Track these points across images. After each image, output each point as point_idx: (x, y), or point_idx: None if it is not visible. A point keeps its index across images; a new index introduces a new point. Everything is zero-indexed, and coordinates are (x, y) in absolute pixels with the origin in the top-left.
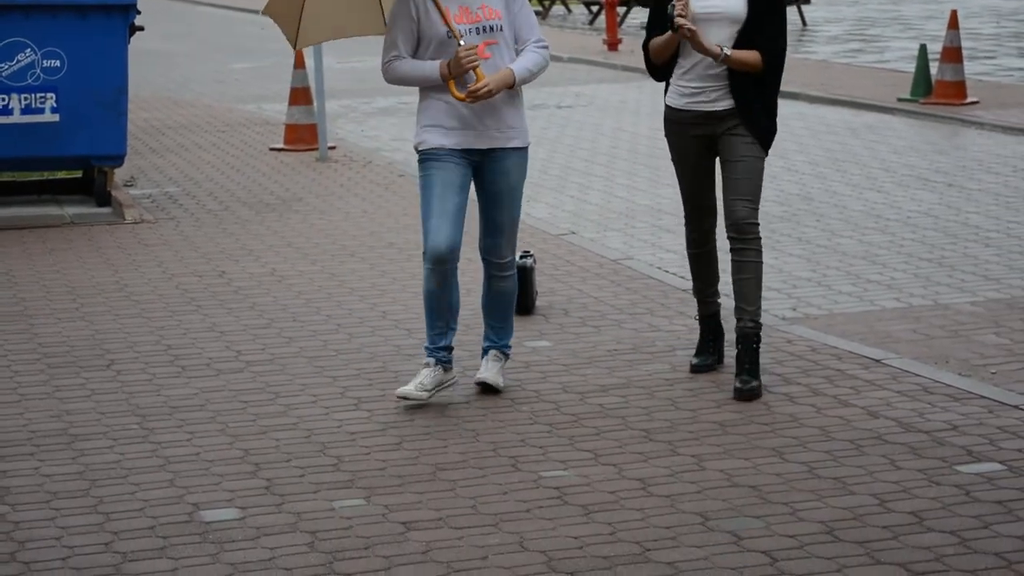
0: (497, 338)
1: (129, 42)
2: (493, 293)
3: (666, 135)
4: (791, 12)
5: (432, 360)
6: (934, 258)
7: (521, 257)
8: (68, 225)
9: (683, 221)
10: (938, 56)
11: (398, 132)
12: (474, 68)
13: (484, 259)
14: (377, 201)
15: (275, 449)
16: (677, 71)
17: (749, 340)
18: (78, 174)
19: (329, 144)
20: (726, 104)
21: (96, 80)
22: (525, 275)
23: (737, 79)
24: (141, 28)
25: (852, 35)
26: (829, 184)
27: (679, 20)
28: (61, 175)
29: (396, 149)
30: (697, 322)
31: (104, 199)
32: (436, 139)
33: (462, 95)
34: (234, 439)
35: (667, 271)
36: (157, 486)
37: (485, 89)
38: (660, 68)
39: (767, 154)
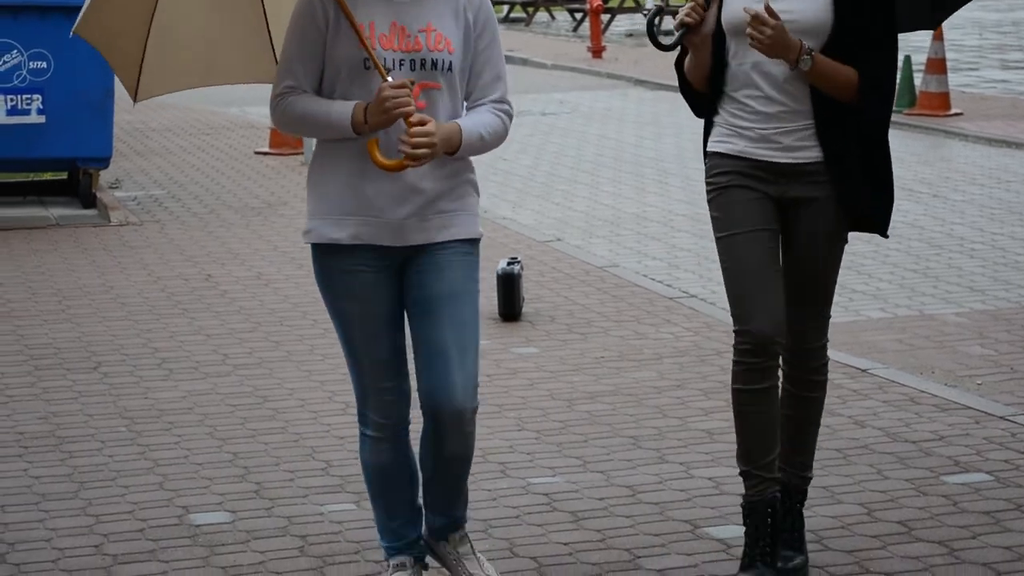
0: (448, 511)
1: None
2: (438, 458)
3: (709, 194)
4: None
5: (407, 559)
6: (919, 269)
7: (508, 264)
8: (53, 227)
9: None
10: (922, 67)
11: None
12: (406, 118)
13: (424, 405)
14: None
15: (264, 453)
16: (727, 101)
17: (793, 498)
18: (63, 176)
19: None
20: (809, 155)
21: (82, 82)
22: (512, 282)
23: (827, 116)
24: None
25: None
26: None
27: (685, 19)
28: (46, 177)
29: None
30: (743, 511)
31: (89, 201)
32: (327, 231)
33: (389, 162)
34: (222, 442)
35: (653, 279)
36: (146, 489)
37: (425, 145)
38: (703, 96)
39: (886, 232)
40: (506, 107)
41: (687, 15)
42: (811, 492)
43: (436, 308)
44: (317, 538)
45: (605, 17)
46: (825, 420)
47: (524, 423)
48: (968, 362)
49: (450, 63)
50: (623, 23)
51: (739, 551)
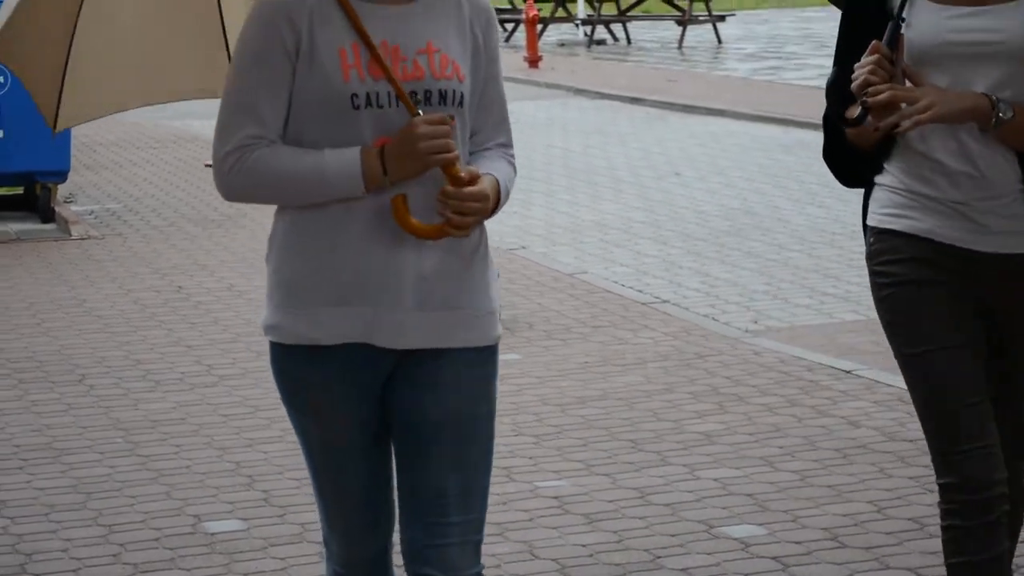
0: None
1: None
2: None
3: (880, 288)
4: (706, 31)
5: None
6: None
7: None
8: (15, 241)
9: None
10: None
11: None
12: (446, 168)
13: (407, 563)
14: None
15: (265, 461)
16: (903, 155)
17: None
18: (19, 190)
19: None
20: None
21: None
22: None
23: None
24: None
25: (768, 53)
26: (770, 199)
27: (875, 101)
28: (2, 192)
29: None
30: None
31: (48, 215)
32: (300, 328)
33: (426, 227)
34: (223, 452)
35: (623, 285)
36: (155, 498)
37: (478, 211)
38: (861, 161)
39: None
40: (512, 154)
41: (871, 72)
42: (817, 490)
43: (431, 442)
44: None
45: (538, 27)
46: (819, 420)
47: (520, 428)
48: None
49: (462, 95)
50: (553, 33)
51: (758, 549)
